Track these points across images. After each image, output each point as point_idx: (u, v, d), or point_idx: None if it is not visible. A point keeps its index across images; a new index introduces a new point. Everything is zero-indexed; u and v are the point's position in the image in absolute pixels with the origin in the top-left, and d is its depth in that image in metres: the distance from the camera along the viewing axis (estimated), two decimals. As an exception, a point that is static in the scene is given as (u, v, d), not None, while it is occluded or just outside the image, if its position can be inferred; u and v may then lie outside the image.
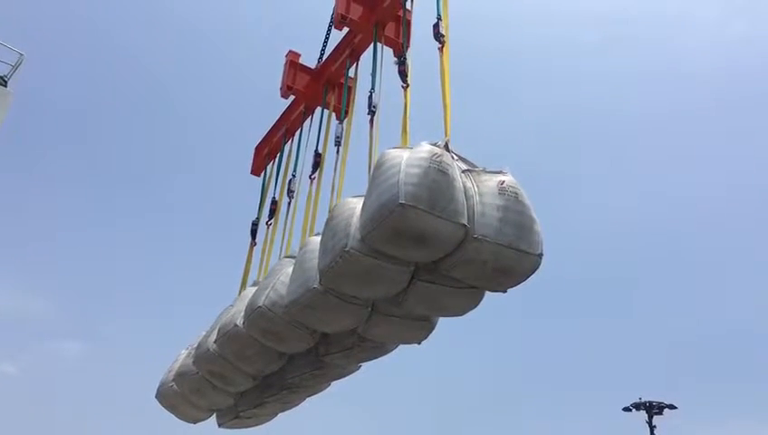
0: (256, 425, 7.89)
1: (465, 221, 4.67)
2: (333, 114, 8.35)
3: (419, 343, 6.03)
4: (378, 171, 4.84)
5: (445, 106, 5.65)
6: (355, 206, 5.21)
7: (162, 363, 8.09)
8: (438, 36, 6.13)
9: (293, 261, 6.13)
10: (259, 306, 5.92)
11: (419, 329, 5.80)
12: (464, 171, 5.02)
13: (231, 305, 7.04)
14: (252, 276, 8.47)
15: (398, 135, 6.61)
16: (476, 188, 4.89)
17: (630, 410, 32.41)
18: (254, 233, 8.88)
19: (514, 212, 4.82)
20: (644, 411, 31.90)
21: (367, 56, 7.93)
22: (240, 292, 8.43)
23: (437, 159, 4.73)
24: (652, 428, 31.65)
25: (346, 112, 7.69)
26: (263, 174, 9.53)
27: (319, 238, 5.70)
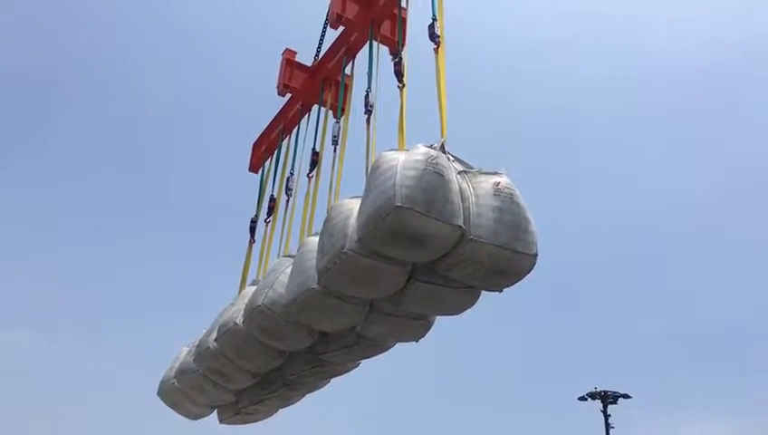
0: (257, 421, 7.99)
1: (460, 222, 4.73)
2: (330, 112, 8.43)
3: (417, 341, 6.12)
4: (374, 174, 4.90)
5: (440, 107, 5.70)
6: (352, 207, 5.27)
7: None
8: (434, 37, 6.18)
9: (292, 260, 6.20)
10: (258, 305, 5.99)
11: (417, 327, 5.88)
12: (460, 172, 5.08)
13: (231, 304, 7.11)
14: (251, 274, 8.58)
15: (394, 134, 6.70)
16: (472, 190, 4.95)
17: (586, 399, 33.40)
18: (252, 231, 8.93)
19: (510, 213, 4.89)
20: (599, 401, 32.80)
21: (363, 54, 8.00)
22: (240, 289, 8.53)
23: (433, 162, 4.79)
24: (607, 416, 32.48)
25: (343, 111, 7.73)
26: (260, 171, 9.58)
27: (317, 239, 5.77)
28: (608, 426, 32.34)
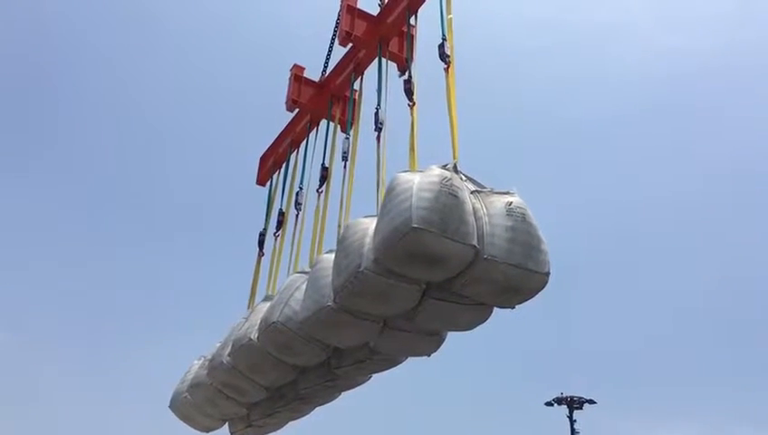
0: (267, 433, 8.08)
1: (475, 242, 4.85)
2: (338, 127, 8.55)
3: (429, 356, 6.22)
4: (390, 195, 5.00)
5: (452, 126, 5.81)
6: (367, 226, 5.38)
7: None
8: (444, 56, 6.29)
9: (306, 277, 6.31)
10: (273, 322, 6.09)
11: (429, 342, 5.98)
12: (472, 192, 5.20)
13: (244, 319, 7.21)
14: (261, 287, 8.68)
15: (403, 150, 6.82)
16: (485, 210, 5.07)
17: (552, 404, 33.85)
18: (261, 244, 9.03)
19: (522, 232, 5.00)
20: (565, 406, 33.18)
21: (371, 70, 8.12)
22: (249, 302, 8.64)
23: (448, 183, 4.91)
24: (572, 422, 32.80)
25: (352, 126, 7.84)
26: (268, 185, 9.68)
27: (331, 256, 5.87)
28: (573, 431, 32.90)
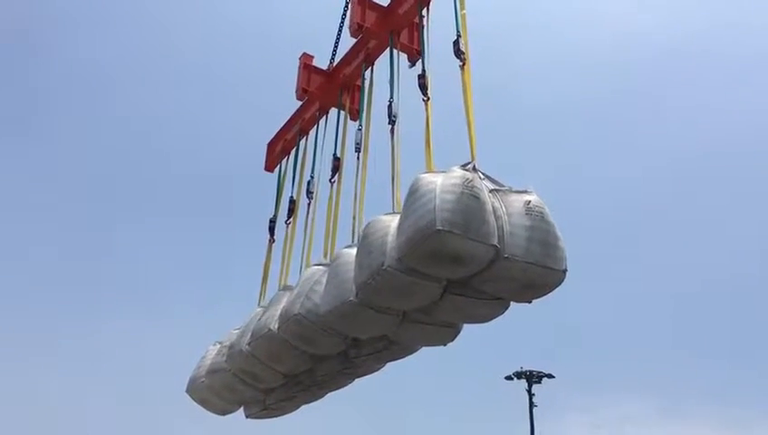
0: (282, 415, 8.31)
1: (496, 242, 5.02)
2: (348, 116, 8.64)
3: (445, 345, 6.44)
4: (413, 196, 5.16)
5: (468, 124, 5.92)
6: (388, 224, 5.54)
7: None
8: (459, 53, 6.35)
9: (324, 269, 6.48)
10: (295, 314, 6.26)
11: (447, 333, 6.19)
12: (491, 191, 5.36)
13: (262, 308, 7.40)
14: (272, 274, 8.83)
15: (410, 138, 6.96)
16: (504, 209, 5.23)
17: (512, 378, 34.71)
18: (271, 230, 9.18)
19: (541, 231, 5.18)
20: (524, 380, 33.89)
21: (381, 59, 8.20)
22: (262, 287, 8.80)
23: (469, 185, 5.07)
24: (531, 395, 33.68)
25: (364, 117, 7.91)
26: (277, 171, 9.78)
27: (350, 251, 6.05)
28: (532, 404, 33.81)
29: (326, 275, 6.33)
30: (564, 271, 5.26)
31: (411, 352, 6.70)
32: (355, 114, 8.65)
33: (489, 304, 5.60)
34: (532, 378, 34.03)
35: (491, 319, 5.86)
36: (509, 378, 34.80)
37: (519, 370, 34.67)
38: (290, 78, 9.36)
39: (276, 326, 6.59)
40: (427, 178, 5.22)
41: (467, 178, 5.12)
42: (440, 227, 4.83)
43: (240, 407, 8.28)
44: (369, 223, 5.76)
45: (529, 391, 33.89)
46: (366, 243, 5.58)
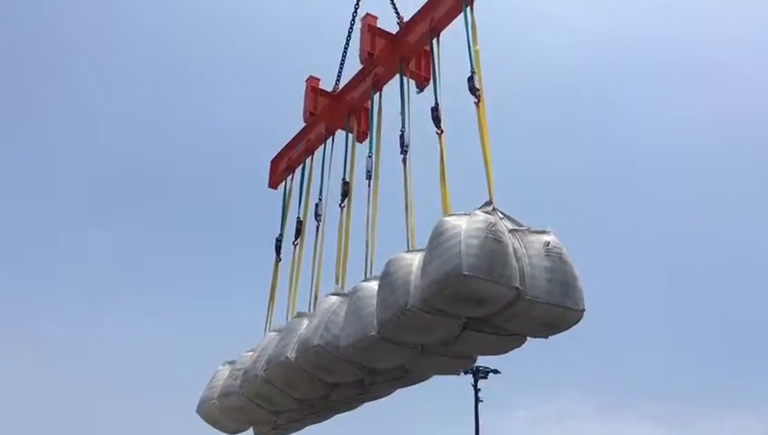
0: (291, 433, 8.47)
1: (518, 284, 5.20)
2: (354, 139, 8.76)
3: (458, 374, 6.64)
4: (438, 239, 5.32)
5: (486, 163, 6.06)
6: (411, 262, 5.70)
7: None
8: (473, 90, 6.45)
9: (342, 300, 6.64)
10: (314, 345, 6.40)
11: (461, 363, 6.40)
12: (510, 231, 5.54)
13: (276, 332, 7.54)
14: (280, 293, 8.96)
15: (427, 173, 7.13)
16: (525, 250, 5.42)
17: (458, 373, 34.56)
18: (278, 249, 9.30)
19: (560, 272, 5.38)
20: (471, 375, 34.19)
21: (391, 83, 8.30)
22: (269, 307, 8.92)
23: (493, 229, 5.24)
24: (477, 390, 34.11)
25: (364, 135, 8.00)
26: (282, 189, 9.86)
27: (369, 285, 6.21)
28: (477, 399, 34.02)
29: (344, 305, 6.49)
30: (583, 310, 5.46)
31: (424, 380, 6.89)
32: (361, 136, 8.80)
33: (507, 339, 5.80)
34: (479, 373, 34.01)
35: (507, 352, 6.07)
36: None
37: (465, 365, 35.07)
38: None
39: (294, 355, 6.72)
40: (452, 221, 5.38)
41: (491, 223, 5.29)
42: (466, 273, 5.00)
43: (250, 426, 8.42)
44: (391, 260, 5.90)
45: (475, 386, 34.14)
46: (389, 281, 5.73)
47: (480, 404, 34.00)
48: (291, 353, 6.79)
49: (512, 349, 6.00)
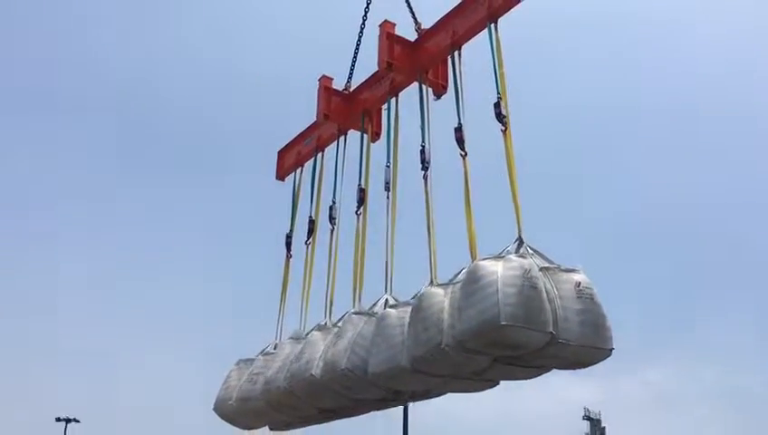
0: (304, 427, 8.71)
1: (552, 329, 5.37)
2: (367, 139, 8.70)
3: (479, 392, 6.86)
4: (474, 286, 5.43)
5: (513, 196, 6.09)
6: (442, 299, 5.80)
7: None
8: (500, 117, 6.39)
9: (366, 319, 6.75)
10: (342, 369, 6.53)
11: (485, 385, 6.58)
12: (541, 269, 5.66)
13: (293, 340, 7.69)
14: (291, 291, 9.01)
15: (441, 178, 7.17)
16: (556, 292, 5.56)
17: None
18: (288, 246, 9.33)
19: (592, 314, 5.55)
20: None
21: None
22: (280, 305, 8.98)
23: (529, 276, 5.37)
24: None
25: (392, 157, 7.91)
26: (293, 185, 9.79)
27: (395, 312, 6.30)
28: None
29: (369, 327, 6.58)
30: (611, 349, 5.65)
31: (442, 395, 7.10)
32: (374, 137, 8.73)
33: (534, 369, 6.01)
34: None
35: (531, 378, 6.28)
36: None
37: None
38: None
39: (320, 373, 6.82)
40: (488, 268, 5.47)
41: (526, 269, 5.41)
42: (505, 323, 5.14)
43: (266, 425, 8.63)
44: (422, 294, 6.00)
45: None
46: (421, 317, 5.84)
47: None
48: (316, 371, 6.90)
49: (537, 376, 6.21)
